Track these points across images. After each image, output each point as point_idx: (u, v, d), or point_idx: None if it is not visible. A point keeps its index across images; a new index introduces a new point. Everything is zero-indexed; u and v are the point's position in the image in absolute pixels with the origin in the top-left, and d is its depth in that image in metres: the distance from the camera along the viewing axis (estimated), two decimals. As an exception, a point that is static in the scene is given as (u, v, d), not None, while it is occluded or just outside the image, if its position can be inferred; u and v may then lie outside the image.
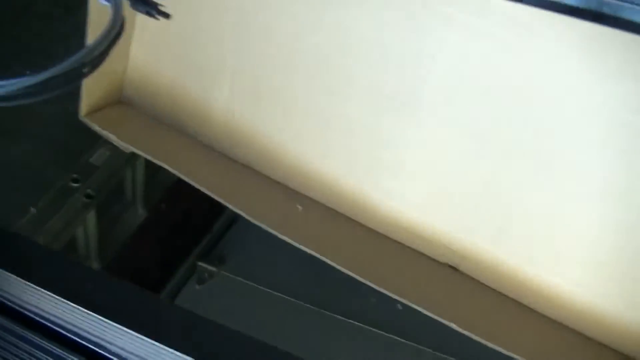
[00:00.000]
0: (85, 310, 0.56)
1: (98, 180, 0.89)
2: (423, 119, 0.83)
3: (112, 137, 0.89)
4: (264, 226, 0.83)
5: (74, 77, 0.84)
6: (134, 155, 0.91)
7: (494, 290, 0.83)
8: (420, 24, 0.81)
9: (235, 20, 0.94)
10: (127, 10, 0.93)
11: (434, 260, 0.86)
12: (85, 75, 0.85)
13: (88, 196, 0.87)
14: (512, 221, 0.80)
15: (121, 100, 0.96)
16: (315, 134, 0.88)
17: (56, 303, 0.58)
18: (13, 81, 0.79)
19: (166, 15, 0.92)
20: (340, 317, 0.96)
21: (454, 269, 0.85)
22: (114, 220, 0.95)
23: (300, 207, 0.86)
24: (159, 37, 0.95)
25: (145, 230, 0.94)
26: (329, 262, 0.81)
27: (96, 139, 0.89)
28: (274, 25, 0.91)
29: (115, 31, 0.87)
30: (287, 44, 0.89)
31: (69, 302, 0.57)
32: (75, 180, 0.87)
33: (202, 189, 0.84)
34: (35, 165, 0.85)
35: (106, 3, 0.92)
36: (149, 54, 0.96)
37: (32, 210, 0.83)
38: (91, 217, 0.88)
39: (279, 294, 0.97)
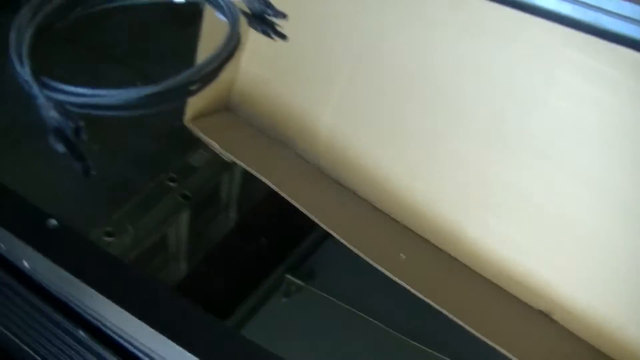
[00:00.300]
0: (151, 329, 0.57)
1: (195, 182, 0.87)
2: (534, 161, 0.81)
3: (215, 145, 0.88)
4: (358, 252, 0.81)
5: (183, 93, 0.86)
6: (233, 161, 0.91)
7: (588, 343, 0.79)
8: (538, 63, 0.82)
9: (354, 42, 0.94)
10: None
11: (527, 305, 0.82)
12: (193, 92, 0.87)
13: (184, 196, 0.87)
14: (618, 276, 0.77)
15: (227, 108, 0.96)
16: (422, 164, 0.86)
17: (121, 316, 0.58)
18: (122, 92, 0.82)
19: (283, 37, 0.95)
20: (427, 349, 0.94)
21: (547, 316, 0.81)
22: (206, 223, 0.95)
23: (403, 256, 0.84)
24: (272, 49, 0.95)
25: (236, 235, 0.94)
26: (424, 298, 0.78)
27: (198, 141, 0.89)
28: (393, 52, 0.91)
29: (229, 49, 0.89)
30: (403, 71, 0.89)
31: (134, 317, 0.58)
32: (173, 180, 0.85)
33: (297, 206, 0.83)
34: (135, 161, 0.85)
35: (223, 18, 0.94)
36: (259, 66, 0.96)
37: (127, 205, 0.83)
38: (185, 217, 0.88)
39: (365, 317, 0.95)
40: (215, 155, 0.90)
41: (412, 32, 0.95)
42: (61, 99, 0.80)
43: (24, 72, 0.82)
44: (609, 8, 0.93)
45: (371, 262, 0.79)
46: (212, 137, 0.89)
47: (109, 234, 0.75)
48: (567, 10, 0.95)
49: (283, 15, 0.94)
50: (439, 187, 0.85)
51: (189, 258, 0.87)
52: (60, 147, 0.76)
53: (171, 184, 0.84)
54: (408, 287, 0.78)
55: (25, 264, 0.65)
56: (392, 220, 0.88)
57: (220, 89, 0.95)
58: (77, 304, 0.64)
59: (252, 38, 0.96)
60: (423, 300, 0.78)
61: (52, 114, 0.76)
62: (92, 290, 0.61)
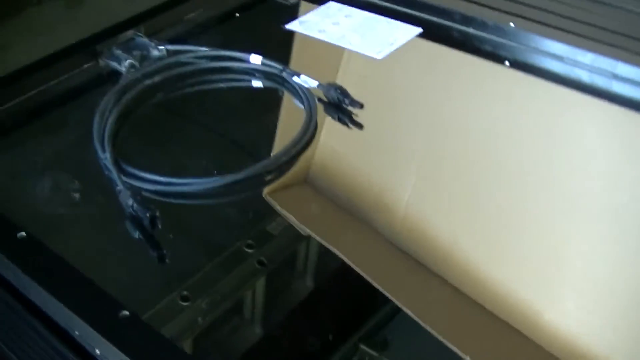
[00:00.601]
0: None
1: (272, 249, 0.87)
2: (612, 250, 0.82)
3: (291, 218, 0.89)
4: (432, 331, 0.80)
5: (259, 184, 0.88)
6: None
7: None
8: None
9: (437, 127, 0.97)
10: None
11: None
12: (269, 182, 0.89)
13: (260, 263, 0.88)
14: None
15: (305, 181, 0.97)
16: (499, 246, 0.86)
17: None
18: (201, 181, 0.84)
19: (359, 126, 0.96)
20: None
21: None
22: (282, 289, 0.96)
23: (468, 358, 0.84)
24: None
25: (311, 303, 0.95)
26: None
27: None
28: (468, 129, 0.94)
29: (306, 139, 0.91)
30: (486, 155, 0.92)
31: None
32: (250, 246, 0.86)
33: (372, 282, 0.83)
34: (214, 228, 0.86)
35: (300, 105, 0.96)
36: (338, 141, 0.97)
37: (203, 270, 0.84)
38: (260, 283, 0.89)
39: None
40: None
41: (492, 115, 0.98)
42: (138, 186, 0.83)
43: (105, 158, 0.85)
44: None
45: (444, 341, 0.78)
46: (289, 210, 0.90)
47: (184, 299, 0.75)
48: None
49: (360, 105, 0.95)
50: (518, 269, 0.84)
51: (263, 324, 0.87)
52: (137, 234, 0.79)
53: (248, 250, 0.85)
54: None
55: (97, 351, 0.67)
56: (468, 298, 0.86)
57: (300, 164, 0.95)
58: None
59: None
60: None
61: (129, 202, 0.78)
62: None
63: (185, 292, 0.76)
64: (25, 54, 1.05)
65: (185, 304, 0.75)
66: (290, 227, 0.91)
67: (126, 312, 0.66)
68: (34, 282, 0.70)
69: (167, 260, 0.79)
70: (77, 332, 0.68)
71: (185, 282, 0.78)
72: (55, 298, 0.68)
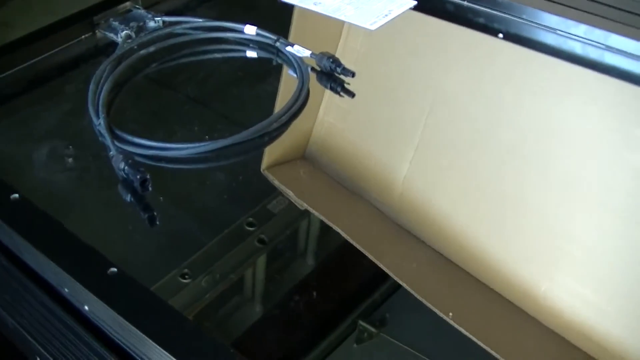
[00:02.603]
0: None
1: (273, 227, 0.88)
2: (617, 222, 0.83)
3: (290, 193, 0.90)
4: (429, 305, 0.81)
5: (253, 147, 0.89)
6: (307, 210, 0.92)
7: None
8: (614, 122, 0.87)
9: (433, 100, 0.97)
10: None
11: None
12: (263, 145, 0.90)
13: (261, 241, 0.89)
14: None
15: (304, 157, 0.97)
16: (495, 220, 0.87)
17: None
18: (193, 145, 0.86)
19: (351, 94, 0.97)
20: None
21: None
22: (283, 267, 0.96)
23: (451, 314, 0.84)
24: (348, 101, 0.98)
25: (311, 281, 0.95)
26: (494, 353, 0.78)
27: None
28: (466, 109, 0.94)
29: (298, 105, 0.92)
30: (476, 128, 0.92)
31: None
32: (251, 224, 0.86)
33: (370, 257, 0.84)
34: (215, 206, 0.87)
35: (293, 74, 0.97)
36: (336, 116, 0.98)
37: (204, 248, 0.85)
38: (261, 261, 0.90)
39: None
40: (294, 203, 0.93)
41: (489, 91, 0.99)
42: (131, 151, 0.84)
43: (99, 124, 0.87)
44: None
45: (442, 315, 0.79)
46: (287, 185, 0.90)
47: (184, 276, 0.76)
48: (636, 68, 0.97)
49: (352, 74, 0.96)
50: (515, 244, 0.85)
51: (264, 302, 0.88)
52: (128, 197, 0.80)
53: (249, 228, 0.86)
54: (479, 342, 0.78)
55: (86, 307, 0.68)
56: (465, 273, 0.87)
57: (298, 138, 0.97)
58: (134, 350, 0.66)
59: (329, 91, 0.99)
60: (494, 355, 0.78)
61: (121, 166, 0.80)
62: (148, 340, 0.63)
63: (185, 270, 0.77)
64: (25, 29, 1.06)
65: (185, 281, 0.76)
66: (290, 205, 0.92)
67: (114, 269, 0.68)
68: (26, 241, 0.72)
69: (157, 223, 0.81)
70: (66, 290, 0.70)
71: (186, 259, 0.79)
72: (46, 256, 0.70)
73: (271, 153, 0.93)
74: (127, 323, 0.64)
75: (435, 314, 0.80)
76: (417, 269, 0.89)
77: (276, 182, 0.91)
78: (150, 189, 0.79)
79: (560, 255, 0.83)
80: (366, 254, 0.86)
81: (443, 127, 0.96)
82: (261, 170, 0.91)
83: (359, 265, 0.95)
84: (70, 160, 0.88)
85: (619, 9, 1.04)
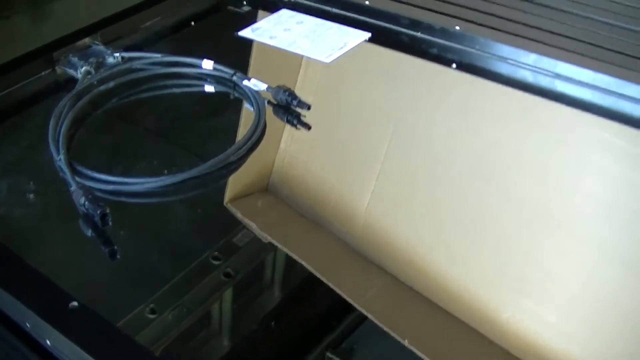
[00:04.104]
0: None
1: (238, 261, 0.88)
2: (571, 244, 0.84)
3: (253, 226, 0.90)
4: (395, 336, 0.81)
5: (213, 179, 0.90)
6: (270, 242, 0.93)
7: None
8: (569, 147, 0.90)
9: (392, 131, 0.99)
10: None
11: None
12: (222, 178, 0.91)
13: (227, 275, 0.89)
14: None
15: (266, 189, 0.98)
16: (458, 247, 0.88)
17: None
18: (151, 180, 0.87)
19: (307, 127, 0.98)
20: None
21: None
22: (249, 301, 0.96)
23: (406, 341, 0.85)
24: (310, 133, 0.99)
25: (279, 313, 0.96)
26: None
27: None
28: (426, 138, 0.96)
29: (254, 139, 0.94)
30: (437, 156, 0.94)
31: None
32: (216, 258, 0.87)
33: (336, 289, 0.85)
34: (179, 241, 0.88)
35: (250, 108, 0.98)
36: (298, 148, 0.99)
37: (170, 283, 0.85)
38: (227, 295, 0.90)
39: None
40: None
41: (446, 120, 1.00)
42: (91, 186, 0.84)
43: (60, 159, 0.87)
44: (628, 93, 0.97)
45: (407, 345, 0.79)
46: (250, 217, 0.90)
47: (152, 311, 0.76)
48: (587, 95, 0.99)
49: (307, 107, 0.98)
50: (477, 271, 0.86)
51: (231, 336, 0.88)
52: (89, 232, 0.81)
53: (215, 262, 0.86)
54: None
55: (48, 342, 0.69)
56: (428, 300, 0.87)
57: (260, 171, 0.98)
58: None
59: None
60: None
61: (82, 201, 0.80)
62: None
63: (152, 305, 0.77)
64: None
65: (152, 316, 0.76)
66: (256, 238, 0.92)
67: (75, 303, 0.68)
68: (-15, 277, 0.73)
69: (117, 257, 0.81)
70: (28, 325, 0.70)
71: (153, 294, 0.79)
72: (6, 291, 0.70)
73: (234, 186, 0.94)
74: (88, 356, 0.65)
75: (401, 342, 0.81)
76: (377, 295, 0.89)
77: (239, 215, 0.92)
78: (110, 223, 0.79)
79: (524, 281, 0.84)
80: (327, 283, 0.86)
81: (403, 157, 0.97)
82: (224, 203, 0.92)
83: (326, 297, 0.95)
84: (31, 195, 0.89)
85: (568, 37, 1.07)
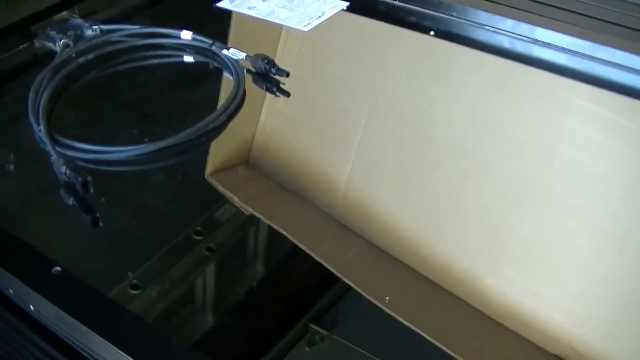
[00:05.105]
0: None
1: (221, 235, 0.88)
2: (550, 212, 0.84)
3: (234, 199, 0.90)
4: (378, 304, 0.82)
5: (190, 148, 0.90)
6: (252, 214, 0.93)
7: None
8: (548, 115, 0.91)
9: (369, 100, 0.99)
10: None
11: (543, 350, 0.83)
12: (201, 145, 0.91)
13: (209, 249, 0.89)
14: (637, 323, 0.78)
15: (247, 162, 0.98)
16: (440, 218, 0.88)
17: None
18: (132, 148, 0.87)
19: (286, 94, 0.99)
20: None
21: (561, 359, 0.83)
22: (232, 275, 0.97)
23: (387, 299, 0.86)
24: (290, 105, 1.00)
25: (261, 287, 0.96)
26: (444, 348, 0.79)
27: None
28: (408, 108, 0.96)
29: (234, 106, 0.94)
30: (418, 126, 0.94)
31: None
32: (199, 233, 0.87)
33: (318, 259, 0.85)
34: (161, 216, 0.88)
35: (229, 77, 0.98)
36: (278, 121, 0.99)
37: (153, 258, 0.85)
38: (210, 270, 0.91)
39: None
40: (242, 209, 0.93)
41: (425, 89, 1.01)
42: (72, 155, 0.85)
43: (40, 130, 0.88)
44: (604, 57, 0.98)
45: (390, 312, 0.80)
46: (232, 190, 0.91)
47: (134, 287, 0.76)
48: (563, 60, 1.00)
49: (286, 74, 0.98)
50: (458, 240, 0.87)
51: (215, 310, 0.89)
52: (70, 201, 0.81)
53: (197, 237, 0.86)
54: (428, 337, 0.79)
55: (32, 307, 0.69)
56: (408, 268, 0.88)
57: (241, 144, 0.98)
58: (83, 348, 0.67)
59: (270, 95, 1.00)
60: (443, 349, 0.79)
61: (63, 170, 0.81)
62: (96, 336, 0.64)
63: (135, 281, 0.77)
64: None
65: (135, 292, 0.76)
66: (237, 212, 0.92)
67: (58, 268, 0.69)
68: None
69: (100, 224, 0.82)
70: (11, 291, 0.71)
71: (135, 271, 0.79)
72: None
73: (215, 159, 0.94)
74: (74, 320, 0.65)
75: (385, 313, 0.81)
76: (362, 268, 0.90)
77: (221, 188, 0.92)
78: (91, 190, 0.80)
79: (504, 248, 0.84)
80: (303, 248, 0.86)
81: (383, 127, 0.98)
82: (205, 176, 0.92)
83: (309, 269, 0.96)
84: (11, 167, 0.89)
85: (545, 3, 1.07)
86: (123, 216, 0.86)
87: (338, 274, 0.84)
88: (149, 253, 0.81)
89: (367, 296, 0.81)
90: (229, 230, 0.88)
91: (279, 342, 0.98)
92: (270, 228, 0.95)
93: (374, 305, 0.82)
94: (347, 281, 0.84)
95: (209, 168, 0.93)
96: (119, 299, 0.74)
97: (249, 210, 0.91)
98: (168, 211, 0.88)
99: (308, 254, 0.87)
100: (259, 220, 0.93)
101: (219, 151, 0.94)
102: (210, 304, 0.90)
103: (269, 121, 0.99)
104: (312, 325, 1.04)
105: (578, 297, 0.81)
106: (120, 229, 0.84)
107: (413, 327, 0.80)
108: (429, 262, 0.87)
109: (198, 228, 0.85)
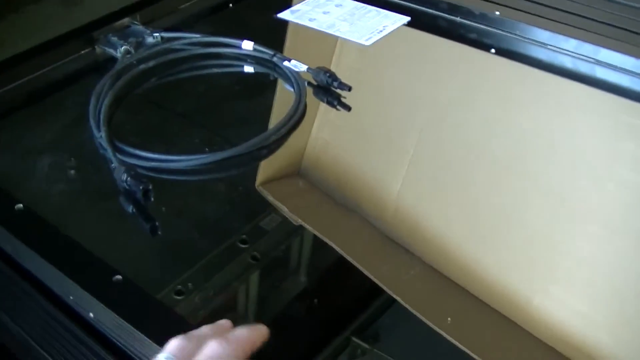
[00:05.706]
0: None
1: (265, 244, 0.88)
2: (602, 233, 0.84)
3: (284, 209, 0.90)
4: (423, 319, 0.81)
5: (250, 159, 0.90)
6: (301, 225, 0.93)
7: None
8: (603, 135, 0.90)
9: (426, 116, 0.98)
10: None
11: None
12: (262, 158, 0.91)
13: (254, 258, 0.89)
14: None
15: (298, 173, 0.98)
16: (489, 236, 0.88)
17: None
18: (194, 157, 0.87)
19: (347, 108, 0.98)
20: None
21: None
22: (275, 285, 0.97)
23: (449, 320, 0.85)
24: (342, 117, 0.99)
25: (304, 298, 0.96)
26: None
27: (270, 205, 0.92)
28: (465, 126, 0.95)
29: (295, 119, 0.93)
30: (468, 143, 0.93)
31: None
32: (244, 242, 0.87)
33: (365, 272, 0.84)
34: (208, 224, 0.88)
35: (290, 89, 0.98)
36: (330, 133, 0.99)
37: (198, 265, 0.86)
38: (254, 278, 0.91)
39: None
40: (287, 219, 0.92)
41: (482, 107, 1.00)
42: (133, 163, 0.85)
43: (100, 137, 0.88)
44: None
45: (436, 328, 0.79)
46: (281, 201, 0.91)
47: (179, 293, 0.76)
48: (626, 82, 0.99)
49: (348, 88, 0.98)
50: (508, 258, 0.86)
51: (256, 319, 0.88)
52: (130, 208, 0.82)
53: (242, 245, 0.86)
54: (473, 355, 0.78)
55: (91, 315, 0.69)
56: (458, 286, 0.88)
57: (292, 155, 0.98)
58: (140, 356, 0.67)
59: (323, 105, 1.00)
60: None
61: (124, 177, 0.81)
62: (154, 345, 0.64)
63: (179, 287, 0.77)
64: (24, 45, 1.08)
65: (179, 297, 0.76)
66: (283, 222, 0.92)
67: (119, 277, 0.69)
68: (31, 250, 0.73)
69: (159, 233, 0.82)
70: (71, 297, 0.71)
71: (180, 277, 0.79)
72: (51, 264, 0.71)
73: (266, 169, 0.94)
74: (132, 329, 0.65)
75: (428, 328, 0.80)
76: (410, 282, 0.89)
77: (270, 198, 0.92)
78: (152, 199, 0.80)
79: (554, 268, 0.83)
80: (359, 268, 0.86)
81: (436, 143, 0.97)
82: (256, 186, 0.92)
83: (352, 282, 0.95)
84: (72, 172, 0.89)
85: (609, 24, 1.06)
86: (171, 222, 0.85)
87: (394, 295, 0.84)
88: (195, 260, 0.81)
89: (426, 320, 0.80)
90: (273, 240, 0.88)
91: (320, 355, 0.97)
92: (314, 239, 0.95)
93: (417, 320, 0.81)
94: (402, 302, 0.83)
95: (260, 178, 0.93)
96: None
97: (298, 221, 0.91)
98: (215, 219, 0.88)
99: (352, 266, 0.86)
100: (303, 230, 0.93)
101: (270, 161, 0.94)
102: (252, 313, 0.89)
103: (321, 133, 0.98)
104: (354, 339, 1.04)
105: (629, 320, 0.79)
106: (167, 235, 0.84)
107: (464, 349, 0.78)
108: (479, 280, 0.86)
109: (243, 236, 0.85)
